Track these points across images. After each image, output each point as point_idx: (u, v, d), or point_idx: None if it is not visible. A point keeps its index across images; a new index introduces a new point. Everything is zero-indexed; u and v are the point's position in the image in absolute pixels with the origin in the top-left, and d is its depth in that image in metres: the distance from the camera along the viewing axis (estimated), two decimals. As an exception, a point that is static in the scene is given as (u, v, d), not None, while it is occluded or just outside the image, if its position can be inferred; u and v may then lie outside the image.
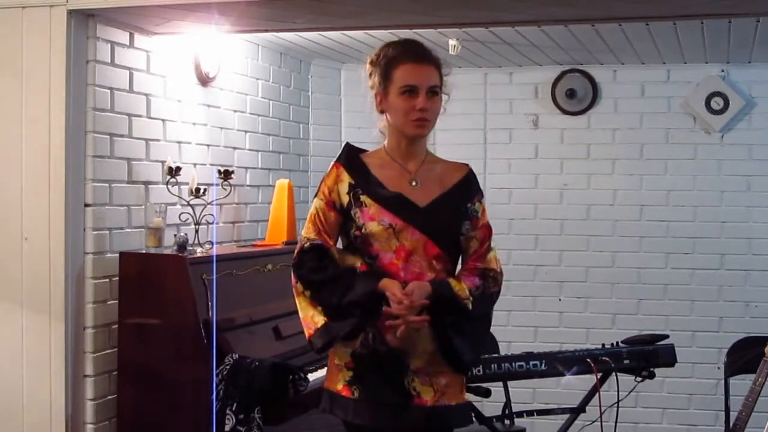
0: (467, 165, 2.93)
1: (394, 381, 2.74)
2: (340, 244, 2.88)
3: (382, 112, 2.83)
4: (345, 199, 2.78)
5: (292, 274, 2.85)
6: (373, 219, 2.74)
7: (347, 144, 2.91)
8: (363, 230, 2.74)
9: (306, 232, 2.83)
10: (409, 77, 2.76)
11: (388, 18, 3.90)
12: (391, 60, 2.79)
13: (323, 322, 2.75)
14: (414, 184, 2.80)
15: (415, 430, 2.79)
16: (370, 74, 2.86)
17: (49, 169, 3.68)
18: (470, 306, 2.75)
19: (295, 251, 2.85)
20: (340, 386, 2.79)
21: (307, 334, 2.80)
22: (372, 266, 2.75)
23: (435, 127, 2.88)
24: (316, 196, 2.85)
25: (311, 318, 2.78)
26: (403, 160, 2.83)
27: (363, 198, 2.76)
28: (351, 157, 2.84)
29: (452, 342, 2.74)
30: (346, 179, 2.79)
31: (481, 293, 2.78)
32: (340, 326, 2.74)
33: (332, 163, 2.85)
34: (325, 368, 3.38)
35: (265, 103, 5.21)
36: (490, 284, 2.82)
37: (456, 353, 2.76)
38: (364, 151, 2.89)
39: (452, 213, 2.80)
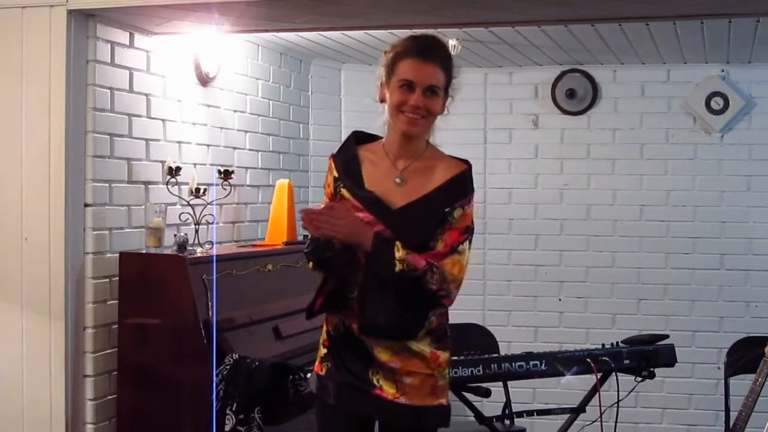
0: (464, 164, 2.84)
1: (360, 368, 2.77)
2: None
3: (381, 101, 2.84)
4: (332, 190, 2.85)
5: None
6: None
7: (353, 133, 2.93)
8: None
9: None
10: (409, 72, 2.75)
11: (388, 18, 3.90)
12: (399, 52, 2.79)
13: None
14: (398, 181, 2.79)
15: (374, 420, 2.84)
16: (383, 66, 2.85)
17: (49, 169, 3.68)
18: (398, 267, 2.65)
19: None
20: (317, 362, 2.90)
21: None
22: None
23: (435, 127, 2.87)
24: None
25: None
26: (394, 156, 2.83)
27: (343, 191, 2.81)
28: (346, 149, 2.88)
29: (368, 293, 2.71)
30: (333, 171, 2.86)
31: (417, 276, 2.66)
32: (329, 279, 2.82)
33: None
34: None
35: (265, 103, 5.20)
36: (431, 278, 2.68)
37: (366, 307, 2.72)
38: (374, 138, 2.89)
39: (426, 217, 2.74)
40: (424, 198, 2.76)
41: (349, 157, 2.85)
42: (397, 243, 2.68)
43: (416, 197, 2.77)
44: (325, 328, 2.89)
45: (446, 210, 2.74)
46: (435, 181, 2.78)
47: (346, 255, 2.73)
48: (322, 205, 2.75)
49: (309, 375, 2.99)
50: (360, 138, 2.90)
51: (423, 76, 2.75)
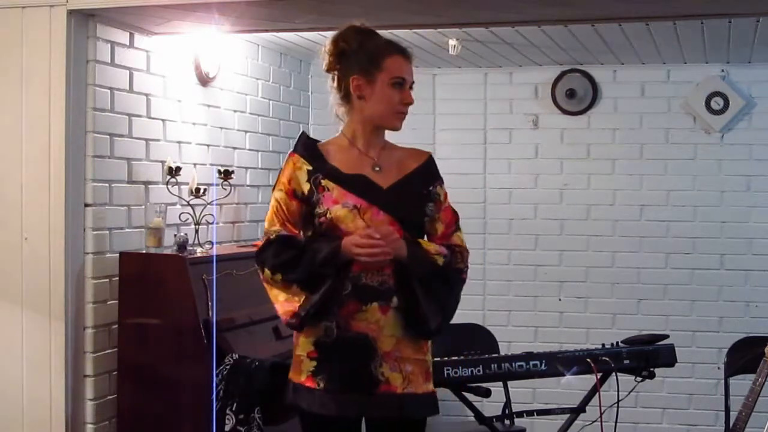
0: (427, 152, 2.94)
1: (361, 368, 2.73)
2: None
3: (359, 97, 2.84)
4: (306, 187, 2.78)
5: (258, 267, 2.81)
6: (336, 202, 2.74)
7: (302, 133, 2.97)
8: (328, 215, 2.73)
9: (269, 225, 2.81)
10: (402, 70, 2.82)
11: (388, 18, 3.90)
12: (381, 48, 2.83)
13: (304, 296, 2.74)
14: (377, 169, 2.82)
15: (382, 419, 2.79)
16: (339, 54, 2.89)
17: (49, 169, 3.68)
18: (440, 261, 2.77)
19: (260, 245, 2.83)
20: (303, 377, 2.79)
21: (284, 317, 2.77)
22: None
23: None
24: (274, 189, 2.84)
25: (289, 298, 2.76)
26: (364, 146, 2.86)
27: (324, 182, 2.77)
28: (307, 145, 2.87)
29: (418, 300, 2.72)
30: (304, 167, 2.80)
31: (449, 261, 2.80)
32: (320, 292, 2.71)
33: (288, 153, 2.88)
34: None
35: (265, 103, 5.21)
36: (456, 259, 2.82)
37: (421, 314, 2.73)
38: (319, 141, 2.93)
39: (414, 195, 2.81)
40: (406, 179, 2.83)
41: (315, 151, 2.85)
42: (419, 240, 2.77)
43: (398, 179, 2.82)
44: (305, 339, 2.79)
45: (430, 188, 2.84)
46: (408, 166, 2.86)
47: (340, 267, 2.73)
48: (366, 232, 2.69)
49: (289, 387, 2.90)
50: (310, 137, 2.95)
51: (410, 73, 2.86)
